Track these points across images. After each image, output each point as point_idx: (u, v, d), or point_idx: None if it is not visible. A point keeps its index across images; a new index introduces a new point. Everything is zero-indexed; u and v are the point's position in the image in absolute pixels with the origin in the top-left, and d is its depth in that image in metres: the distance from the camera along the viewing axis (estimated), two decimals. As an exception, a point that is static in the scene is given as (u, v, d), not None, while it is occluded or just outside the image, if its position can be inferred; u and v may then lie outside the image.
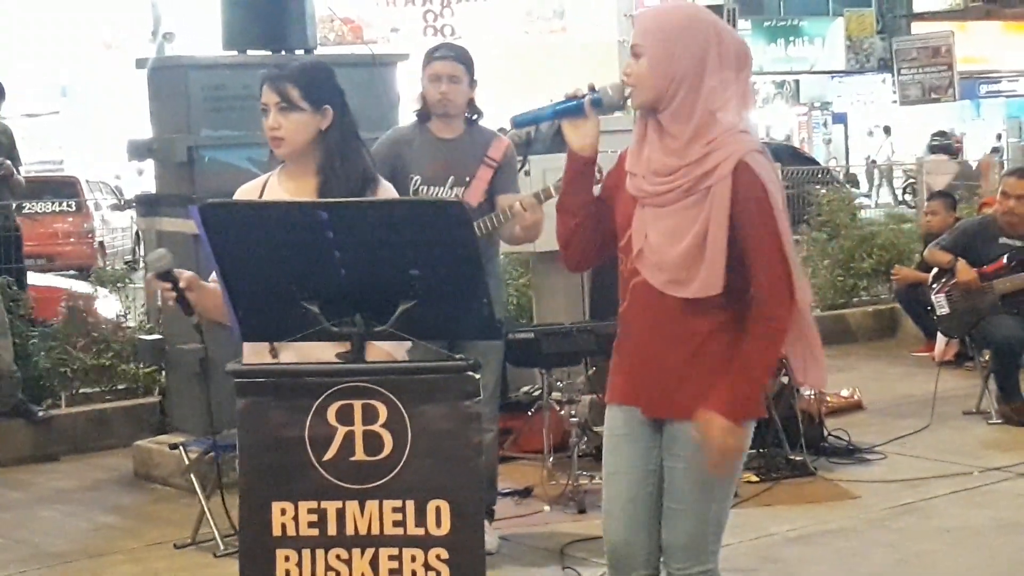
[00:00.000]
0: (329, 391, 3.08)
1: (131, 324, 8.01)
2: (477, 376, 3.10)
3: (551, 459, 6.08)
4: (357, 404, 3.07)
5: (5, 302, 7.28)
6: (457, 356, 3.16)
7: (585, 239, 3.38)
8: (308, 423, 3.08)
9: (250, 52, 6.67)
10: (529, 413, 6.64)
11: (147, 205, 6.95)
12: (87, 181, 18.29)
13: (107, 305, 8.11)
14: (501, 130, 5.90)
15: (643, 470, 3.31)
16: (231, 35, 6.72)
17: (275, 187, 3.64)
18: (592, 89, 3.31)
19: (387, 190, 3.65)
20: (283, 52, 6.64)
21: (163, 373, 7.32)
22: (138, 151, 6.85)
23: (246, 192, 3.70)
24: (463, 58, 5.19)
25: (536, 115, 3.42)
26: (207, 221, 3.15)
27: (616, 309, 3.39)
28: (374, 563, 3.06)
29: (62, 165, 21.65)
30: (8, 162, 8.04)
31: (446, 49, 5.28)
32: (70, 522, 6.05)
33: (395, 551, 3.04)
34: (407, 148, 5.16)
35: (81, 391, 7.68)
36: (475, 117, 5.25)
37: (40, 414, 7.25)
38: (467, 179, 5.13)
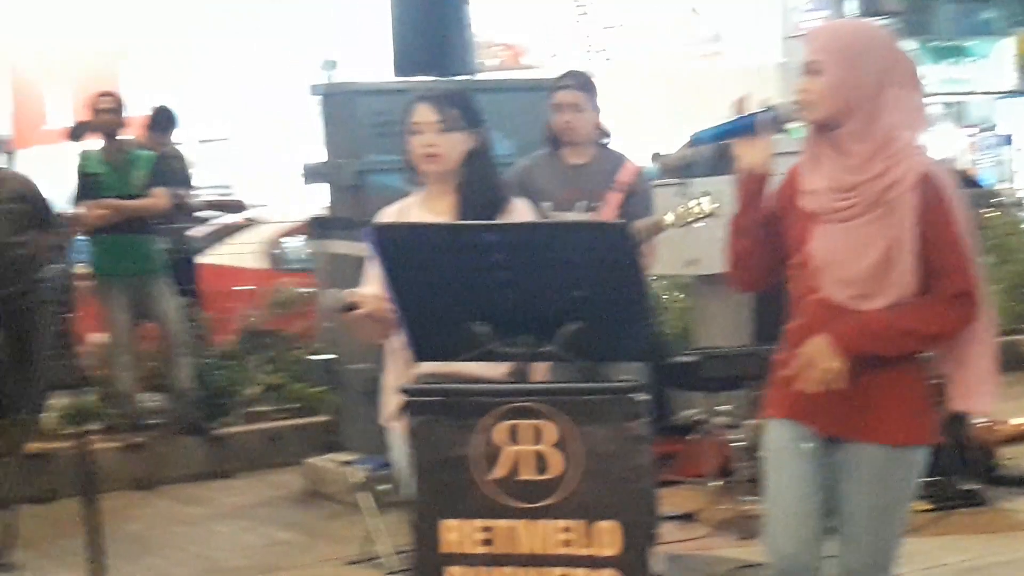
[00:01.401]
0: (497, 410, 3.14)
1: (303, 344, 8.24)
2: (643, 397, 3.12)
3: (714, 484, 6.04)
4: (526, 424, 3.12)
5: (183, 323, 7.54)
6: (622, 378, 3.19)
7: (756, 260, 3.39)
8: (476, 441, 3.14)
9: (412, 78, 6.83)
10: (690, 437, 6.61)
11: (320, 228, 7.14)
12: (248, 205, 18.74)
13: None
14: (655, 155, 5.91)
15: (811, 486, 3.29)
16: (401, 61, 6.88)
17: (415, 208, 3.75)
18: (762, 108, 3.33)
19: (519, 209, 3.74)
20: (447, 77, 6.78)
21: (333, 392, 7.50)
22: (312, 175, 7.07)
23: (389, 215, 3.81)
24: (584, 85, 5.25)
25: (716, 131, 3.45)
26: (380, 243, 3.25)
27: (779, 332, 3.39)
28: (542, 582, 3.10)
29: (231, 189, 22.26)
30: (181, 191, 8.31)
31: (568, 78, 5.34)
32: (245, 537, 6.23)
33: (564, 571, 3.08)
34: (539, 175, 5.21)
35: (254, 410, 7.90)
36: (605, 141, 5.30)
37: (214, 432, 7.49)
38: (597, 204, 5.15)
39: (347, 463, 6.60)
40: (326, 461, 6.93)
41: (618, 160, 5.28)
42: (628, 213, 5.15)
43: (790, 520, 3.31)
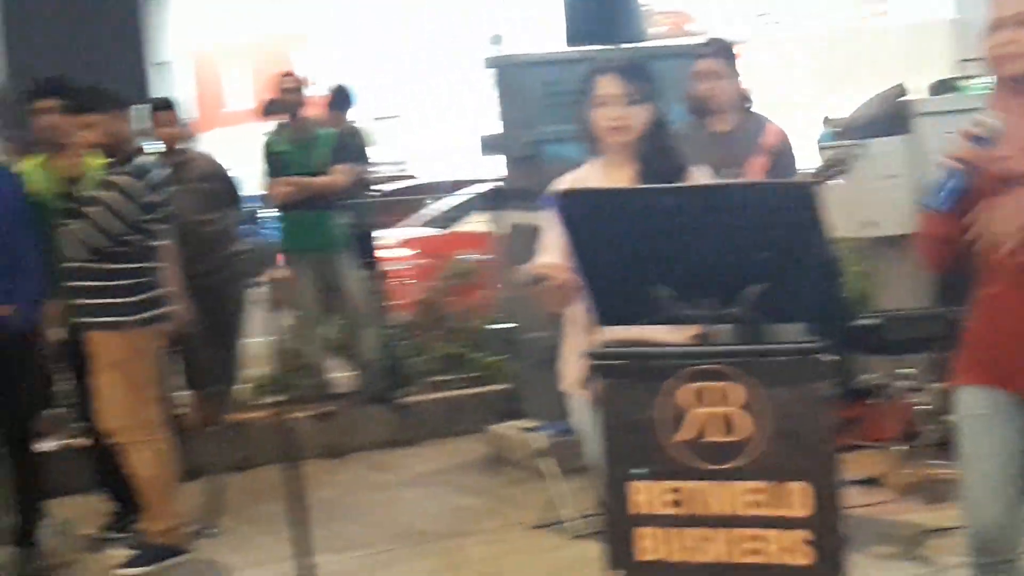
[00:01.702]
0: (683, 372, 3.17)
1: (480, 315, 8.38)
2: (829, 358, 3.12)
3: (897, 448, 5.97)
4: (712, 386, 3.14)
5: (366, 296, 7.74)
6: (808, 339, 3.19)
7: (952, 246, 3.31)
8: (662, 404, 3.17)
9: (583, 47, 6.87)
10: (872, 401, 6.53)
11: (496, 199, 7.25)
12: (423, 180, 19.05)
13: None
14: (827, 119, 5.85)
15: (1010, 452, 3.25)
16: (573, 31, 6.93)
17: (593, 177, 3.78)
18: (974, 137, 3.20)
19: (698, 177, 3.75)
20: (616, 46, 6.80)
21: (512, 361, 7.60)
22: (489, 147, 7.17)
23: (565, 184, 3.84)
24: (724, 52, 5.25)
25: (941, 192, 3.24)
26: (565, 209, 3.31)
27: (963, 294, 3.33)
28: (732, 543, 3.13)
29: (404, 165, 22.62)
30: (361, 167, 8.49)
31: (708, 46, 5.35)
32: (431, 503, 6.38)
33: (754, 532, 3.11)
34: (685, 143, 5.21)
35: (436, 379, 8.07)
36: (748, 106, 5.30)
37: (399, 401, 7.68)
38: (742, 170, 5.14)
39: (528, 430, 6.70)
40: (508, 428, 7.05)
41: (761, 124, 5.27)
42: (774, 176, 5.14)
43: (989, 487, 3.27)
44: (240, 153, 8.13)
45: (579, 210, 3.31)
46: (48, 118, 5.74)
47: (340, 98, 8.29)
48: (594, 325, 3.46)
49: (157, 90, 16.35)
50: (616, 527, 3.26)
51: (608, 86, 3.74)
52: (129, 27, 15.01)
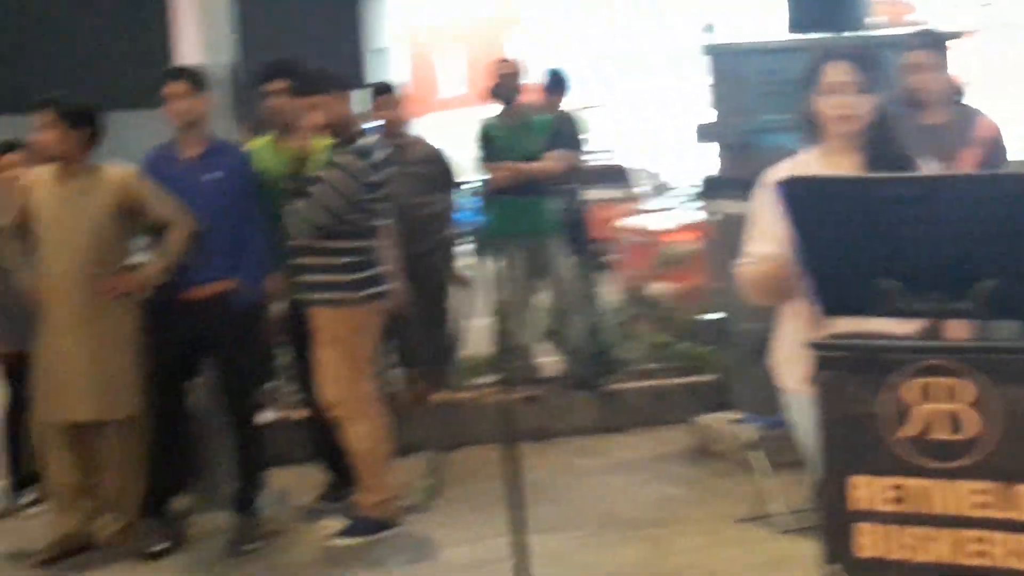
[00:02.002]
0: (909, 367, 3.09)
1: (687, 304, 8.33)
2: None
3: None
4: (939, 382, 3.05)
5: (576, 283, 7.77)
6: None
7: None
8: (885, 399, 3.10)
9: (804, 36, 6.77)
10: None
11: (709, 188, 7.19)
12: (629, 169, 19.00)
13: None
14: None
15: None
16: (796, 18, 6.82)
17: (813, 165, 3.71)
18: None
19: (925, 168, 3.64)
20: (839, 34, 6.67)
21: (721, 351, 7.54)
22: (705, 134, 7.12)
23: (784, 171, 3.77)
24: (936, 44, 5.14)
25: None
26: (789, 197, 3.26)
27: None
28: (957, 544, 3.04)
29: (611, 153, 22.61)
30: (575, 154, 8.52)
31: (918, 38, 5.24)
32: (637, 490, 6.37)
33: (980, 533, 3.01)
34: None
35: (642, 367, 8.05)
36: (959, 99, 5.18)
37: (605, 388, 7.69)
38: (953, 162, 4.99)
39: (737, 421, 6.63)
40: (715, 419, 6.99)
41: (973, 117, 5.17)
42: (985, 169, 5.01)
43: None
44: (452, 138, 8.24)
45: (804, 198, 3.25)
46: (276, 100, 5.93)
47: (555, 83, 8.31)
48: (815, 316, 3.40)
49: (374, 75, 16.70)
50: (834, 522, 3.20)
51: (838, 73, 3.66)
52: (349, 14, 15.39)
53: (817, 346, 3.27)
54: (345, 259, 5.42)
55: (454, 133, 10.38)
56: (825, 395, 3.22)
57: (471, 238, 7.78)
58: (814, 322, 3.49)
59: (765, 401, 5.93)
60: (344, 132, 5.45)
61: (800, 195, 3.26)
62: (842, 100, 3.65)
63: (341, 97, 5.45)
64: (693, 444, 7.07)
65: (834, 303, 3.33)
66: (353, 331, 5.44)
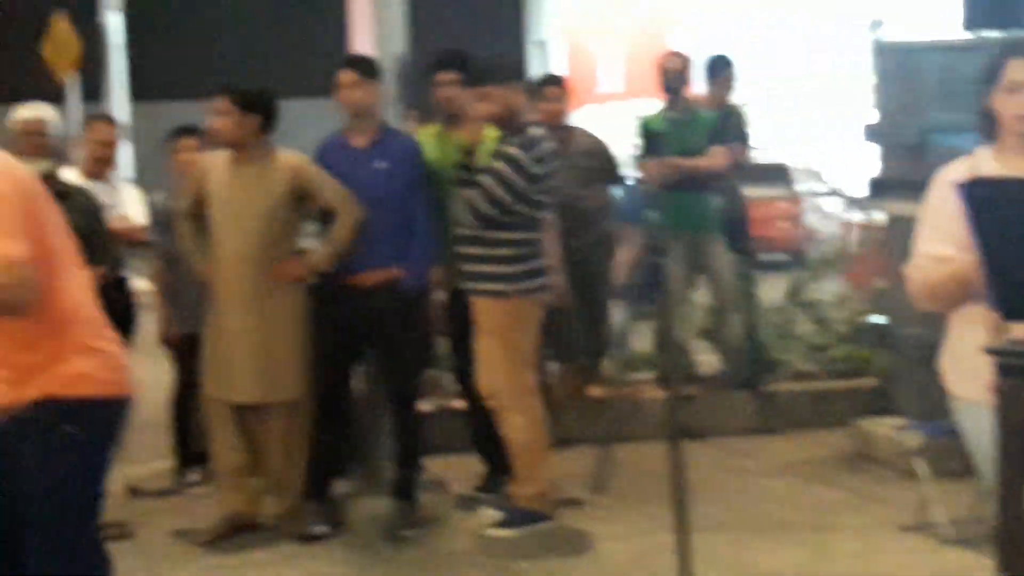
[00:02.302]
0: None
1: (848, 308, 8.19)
2: None
3: None
4: None
5: (735, 281, 7.69)
6: None
7: None
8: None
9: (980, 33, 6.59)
10: None
11: (877, 189, 7.05)
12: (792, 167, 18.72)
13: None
14: None
15: None
16: (972, 15, 6.64)
17: (988, 166, 3.59)
18: None
19: None
20: (1018, 31, 6.48)
21: (882, 355, 7.39)
22: (874, 134, 6.98)
23: (958, 172, 3.66)
24: None
25: None
26: (973, 198, 3.17)
27: None
28: None
29: (766, 150, 22.33)
30: (739, 149, 8.42)
31: None
32: (793, 493, 6.29)
33: None
34: None
35: (801, 369, 7.94)
36: None
37: (762, 389, 7.60)
38: None
39: (900, 428, 6.49)
40: (877, 424, 6.85)
41: None
42: None
43: None
44: (609, 133, 8.19)
45: (987, 199, 3.16)
46: (447, 89, 5.98)
47: (719, 69, 8.13)
48: (995, 321, 3.30)
49: (535, 68, 16.78)
50: (1011, 534, 3.11)
51: (1022, 71, 3.55)
52: (511, 6, 15.50)
53: (997, 352, 3.17)
54: (509, 250, 5.44)
55: (611, 127, 10.34)
56: (1005, 403, 3.12)
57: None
58: (993, 327, 3.39)
59: (930, 407, 5.81)
60: (513, 123, 5.47)
61: (984, 196, 3.17)
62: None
63: (512, 88, 5.47)
64: (852, 449, 6.94)
65: (1016, 308, 3.23)
66: (514, 322, 5.47)
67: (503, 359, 5.47)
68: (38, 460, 3.45)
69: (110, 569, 3.64)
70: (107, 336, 3.57)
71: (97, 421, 3.53)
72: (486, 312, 5.51)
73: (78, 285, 3.54)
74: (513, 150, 5.40)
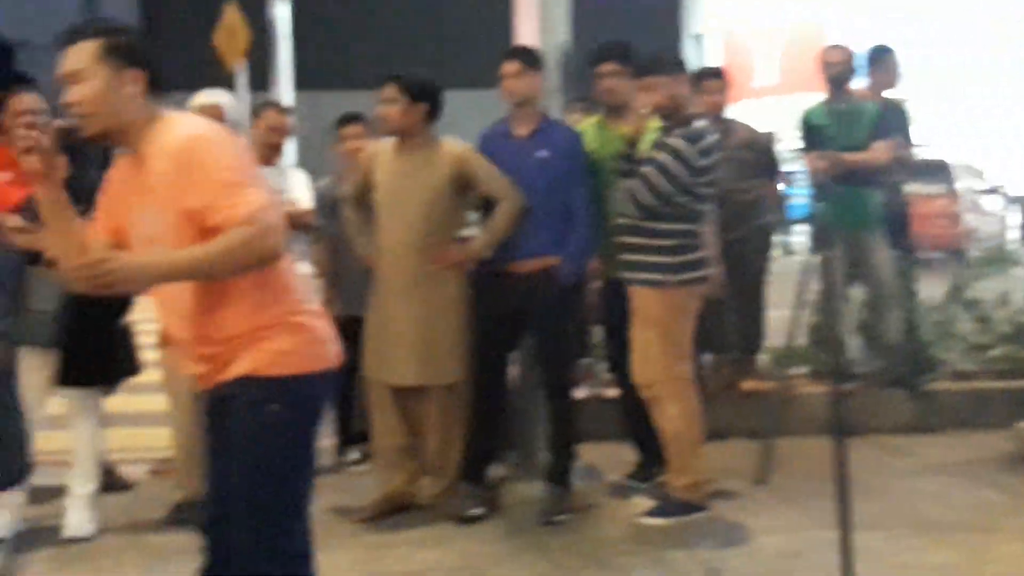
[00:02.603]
0: None
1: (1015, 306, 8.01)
2: None
3: None
4: None
5: (894, 278, 7.57)
6: None
7: None
8: None
9: None
10: None
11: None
12: (953, 164, 18.30)
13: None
14: None
15: None
16: None
17: None
18: None
19: None
20: None
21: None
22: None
23: None
24: None
25: None
26: None
27: None
28: None
29: (927, 146, 21.85)
30: (902, 144, 8.29)
31: None
32: (953, 494, 6.17)
33: None
34: None
35: (961, 368, 7.80)
36: None
37: (921, 387, 7.48)
38: None
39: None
40: (1040, 426, 6.71)
41: None
42: None
43: None
44: (766, 126, 8.13)
45: None
46: (609, 81, 6.01)
47: (880, 60, 7.99)
48: None
49: (691, 61, 16.72)
50: None
51: None
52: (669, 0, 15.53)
53: None
54: (669, 241, 5.46)
55: (767, 121, 10.26)
56: None
57: (800, 227, 7.69)
58: None
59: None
60: (677, 114, 5.48)
61: None
62: None
63: (678, 78, 5.48)
64: (1012, 450, 6.80)
65: None
66: (671, 313, 5.49)
67: (659, 349, 5.49)
68: (243, 438, 3.39)
69: (312, 563, 3.53)
70: (311, 308, 3.49)
71: (302, 399, 3.44)
72: (644, 301, 5.54)
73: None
74: (677, 141, 5.41)
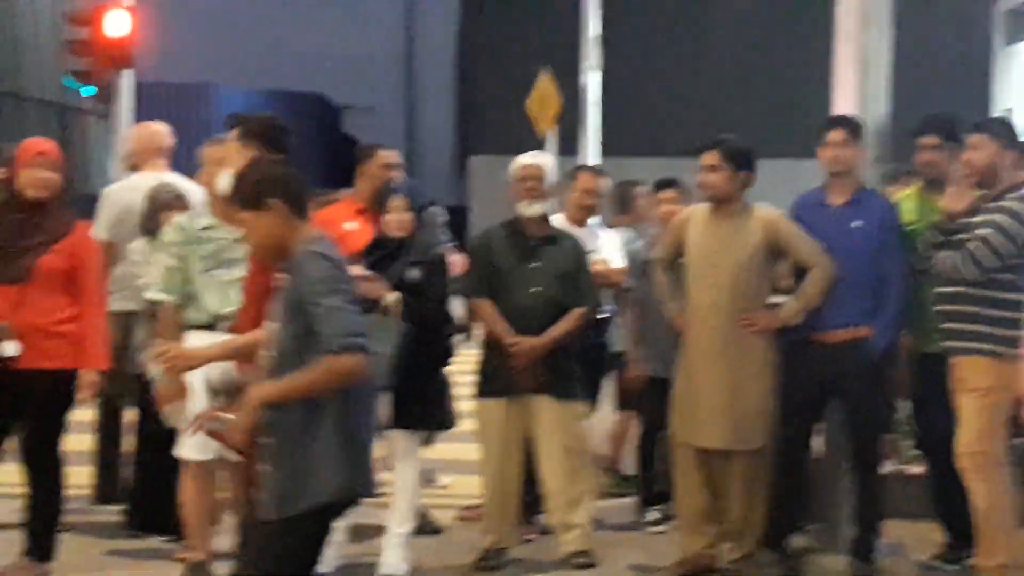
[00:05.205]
0: None
1: None
2: None
3: None
4: None
5: None
6: None
7: None
8: None
9: None
10: None
11: None
12: None
13: None
14: None
15: None
16: None
17: None
18: None
19: None
20: None
21: None
22: None
23: None
24: None
25: None
26: None
27: None
28: None
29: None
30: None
31: None
32: None
33: None
34: None
35: None
36: None
37: None
38: None
39: None
40: None
41: None
42: None
43: None
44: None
45: None
46: (929, 153, 5.94)
47: None
48: None
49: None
50: None
51: None
52: (981, 75, 15.18)
53: None
54: (1008, 312, 5.39)
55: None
56: None
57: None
58: None
59: None
60: (995, 180, 5.43)
61: None
62: None
63: (1002, 144, 5.45)
64: None
65: None
66: (999, 385, 5.37)
67: (982, 422, 5.37)
68: None
69: None
70: None
71: None
72: (970, 372, 5.43)
73: None
74: (1014, 204, 5.35)
